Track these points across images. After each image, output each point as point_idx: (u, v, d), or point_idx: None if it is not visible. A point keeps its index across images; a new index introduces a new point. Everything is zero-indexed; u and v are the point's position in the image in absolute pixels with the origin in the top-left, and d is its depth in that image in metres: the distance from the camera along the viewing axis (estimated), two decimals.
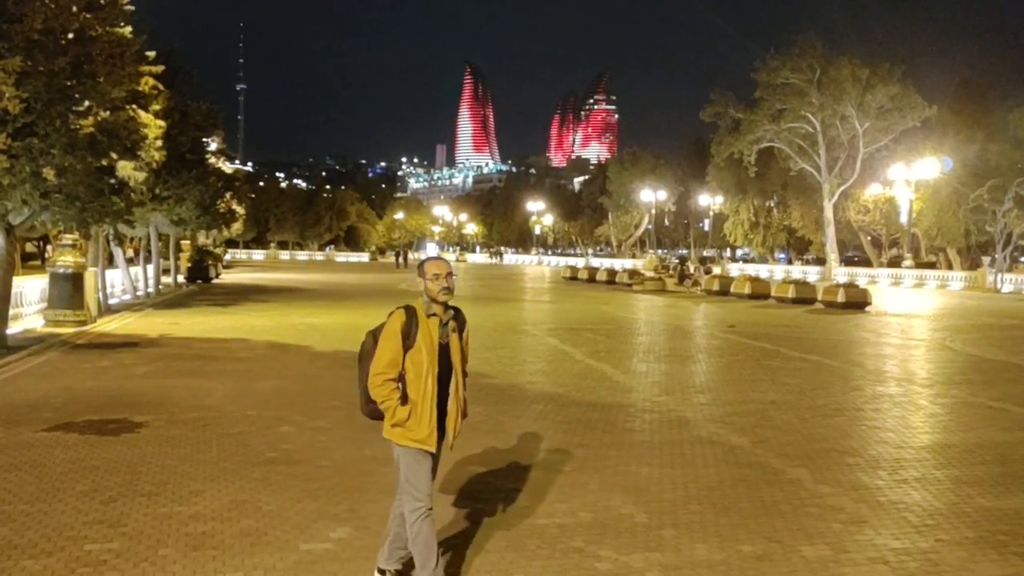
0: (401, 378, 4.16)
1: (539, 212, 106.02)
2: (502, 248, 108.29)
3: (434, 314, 4.21)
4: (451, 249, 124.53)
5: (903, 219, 54.82)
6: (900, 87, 54.01)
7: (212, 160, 32.71)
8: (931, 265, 61.72)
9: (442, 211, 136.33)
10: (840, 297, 28.23)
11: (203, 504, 5.80)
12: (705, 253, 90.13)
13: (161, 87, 20.07)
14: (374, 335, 4.27)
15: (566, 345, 16.16)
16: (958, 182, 51.38)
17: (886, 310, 27.99)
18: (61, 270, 17.26)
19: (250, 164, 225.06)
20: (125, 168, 16.11)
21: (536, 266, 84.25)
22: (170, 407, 9.18)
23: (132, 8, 15.03)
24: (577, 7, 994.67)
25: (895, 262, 62.12)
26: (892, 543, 5.32)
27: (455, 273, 4.32)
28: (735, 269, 68.49)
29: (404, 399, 4.15)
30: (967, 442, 8.36)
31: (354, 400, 9.86)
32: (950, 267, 58.41)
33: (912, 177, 50.86)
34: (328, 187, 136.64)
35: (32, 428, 8.04)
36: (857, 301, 28.11)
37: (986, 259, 51.28)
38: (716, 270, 55.28)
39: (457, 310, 4.34)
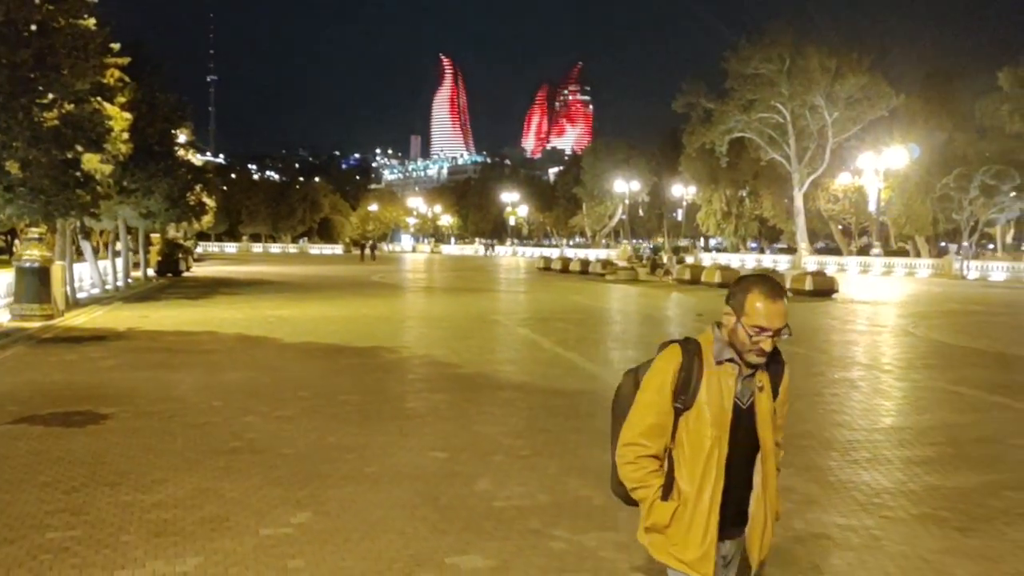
0: (668, 455, 2.77)
1: (514, 203, 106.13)
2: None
3: (731, 359, 2.73)
4: (426, 241, 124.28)
5: (872, 208, 55.52)
6: (868, 77, 54.59)
7: (181, 152, 32.46)
8: (902, 253, 62.59)
9: (417, 203, 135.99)
10: (808, 285, 28.62)
11: (166, 492, 5.87)
12: (680, 243, 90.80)
13: (127, 79, 19.95)
14: (635, 378, 2.89)
15: (536, 335, 16.30)
16: (925, 171, 52.17)
17: (853, 297, 28.42)
18: (27, 264, 17.12)
19: (221, 156, 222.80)
20: (91, 161, 16.05)
21: (511, 257, 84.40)
22: (136, 399, 9.20)
23: (95, 0, 14.92)
24: None
25: (864, 251, 62.91)
26: (838, 520, 5.51)
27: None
28: (708, 259, 68.99)
29: (668, 490, 2.75)
30: (921, 424, 8.60)
31: (321, 389, 10.02)
32: (919, 255, 59.26)
33: (881, 166, 51.55)
34: (301, 179, 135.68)
35: None
36: (824, 289, 28.51)
37: (952, 247, 52.11)
38: (689, 260, 55.73)
39: (772, 354, 2.76)
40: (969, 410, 9.38)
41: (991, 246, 66.28)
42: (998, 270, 45.70)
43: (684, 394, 2.70)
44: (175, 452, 6.99)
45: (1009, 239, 64.04)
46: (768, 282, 2.68)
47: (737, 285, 2.74)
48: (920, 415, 9.10)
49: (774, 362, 2.80)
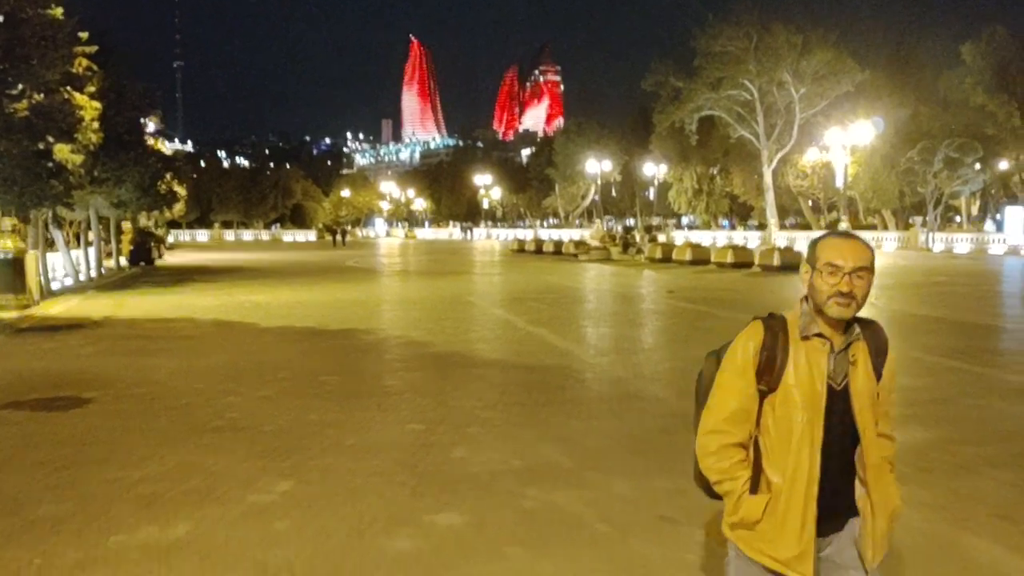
0: (754, 443, 2.52)
1: (487, 185, 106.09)
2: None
3: (819, 335, 2.46)
4: (400, 225, 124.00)
5: (839, 183, 56.21)
6: (834, 53, 55.15)
7: (151, 141, 32.31)
8: (871, 227, 63.50)
9: (389, 187, 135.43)
10: (776, 260, 29.15)
11: (152, 468, 6.10)
12: (653, 221, 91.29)
13: (95, 68, 19.91)
14: (718, 359, 2.64)
15: (510, 314, 16.59)
16: (891, 146, 52.92)
17: None
18: (1, 255, 17.13)
19: (190, 143, 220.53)
20: (62, 151, 16.07)
21: (486, 240, 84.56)
22: (117, 384, 9.39)
23: None
24: None
25: (833, 226, 63.70)
26: None
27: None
28: (680, 236, 69.54)
29: (756, 482, 2.49)
30: None
31: (300, 370, 10.26)
32: (886, 228, 60.17)
33: (847, 141, 52.23)
34: (272, 165, 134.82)
35: None
36: (792, 263, 28.98)
37: (918, 219, 52.99)
38: (661, 238, 56.21)
39: (869, 325, 2.54)
40: (926, 374, 9.80)
41: (958, 218, 67.42)
42: (962, 242, 46.64)
43: (768, 375, 2.44)
44: (159, 431, 7.21)
45: (975, 211, 65.26)
46: (841, 232, 2.51)
47: (810, 247, 2.53)
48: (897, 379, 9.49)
49: (874, 335, 2.52)
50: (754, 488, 2.47)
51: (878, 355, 2.51)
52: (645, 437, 6.89)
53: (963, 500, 5.33)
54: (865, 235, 53.08)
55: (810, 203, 71.42)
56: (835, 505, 2.47)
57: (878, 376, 2.49)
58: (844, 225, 55.75)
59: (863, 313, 2.48)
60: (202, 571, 4.33)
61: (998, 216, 60.94)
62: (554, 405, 8.20)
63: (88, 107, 17.64)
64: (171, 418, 7.70)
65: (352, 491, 5.55)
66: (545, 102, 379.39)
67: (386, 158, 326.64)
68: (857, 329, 2.47)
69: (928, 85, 56.62)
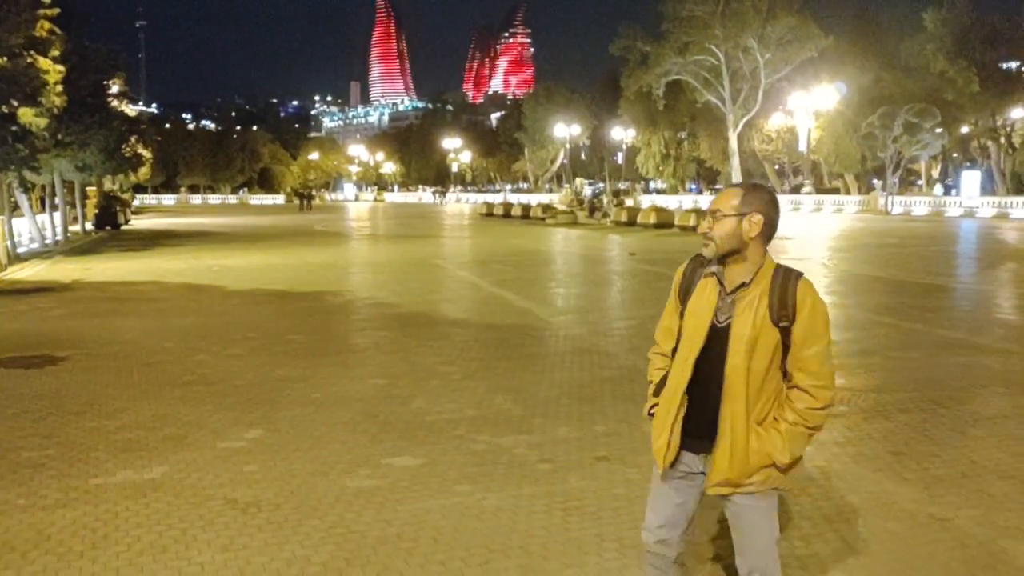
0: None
1: (456, 149, 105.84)
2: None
3: (714, 274, 2.81)
4: (369, 189, 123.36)
5: (802, 147, 57.00)
6: (798, 18, 55.60)
7: (115, 104, 32.06)
8: (835, 191, 64.51)
9: (358, 151, 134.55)
10: None
11: (128, 418, 6.51)
12: (620, 186, 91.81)
13: (58, 31, 19.79)
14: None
15: (475, 276, 17.03)
16: (853, 111, 53.68)
17: (780, 234, 29.61)
18: None
19: (154, 105, 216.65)
20: (26, 115, 16.13)
21: (455, 204, 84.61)
22: (89, 343, 9.72)
23: None
24: None
25: (796, 189, 64.67)
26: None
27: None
28: (647, 201, 70.18)
29: (661, 386, 2.94)
30: None
31: (268, 330, 10.64)
32: (849, 192, 61.18)
33: (811, 106, 52.93)
34: (239, 128, 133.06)
35: None
36: None
37: (878, 183, 53.94)
38: (629, 202, 56.73)
39: (787, 277, 2.76)
40: (857, 328, 10.40)
41: (919, 182, 68.64)
42: (920, 205, 47.68)
43: (685, 300, 2.85)
44: (132, 385, 7.60)
45: (935, 174, 66.43)
46: (733, 183, 2.80)
47: None
48: None
49: (781, 287, 2.71)
50: (657, 391, 2.93)
51: (782, 307, 2.68)
52: (592, 387, 7.40)
53: (868, 440, 5.89)
54: (827, 199, 54.11)
55: (776, 167, 72.31)
56: (702, 428, 2.78)
57: (778, 326, 2.69)
58: (807, 189, 56.80)
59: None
60: (176, 507, 4.76)
61: (947, 181, 62.31)
62: (510, 360, 8.68)
63: (52, 71, 17.63)
64: (143, 374, 8.08)
65: (316, 438, 5.99)
66: (522, 71, 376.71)
67: (355, 121, 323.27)
68: (753, 278, 2.71)
69: (891, 51, 57.27)
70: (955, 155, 62.84)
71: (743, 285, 2.73)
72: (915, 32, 54.51)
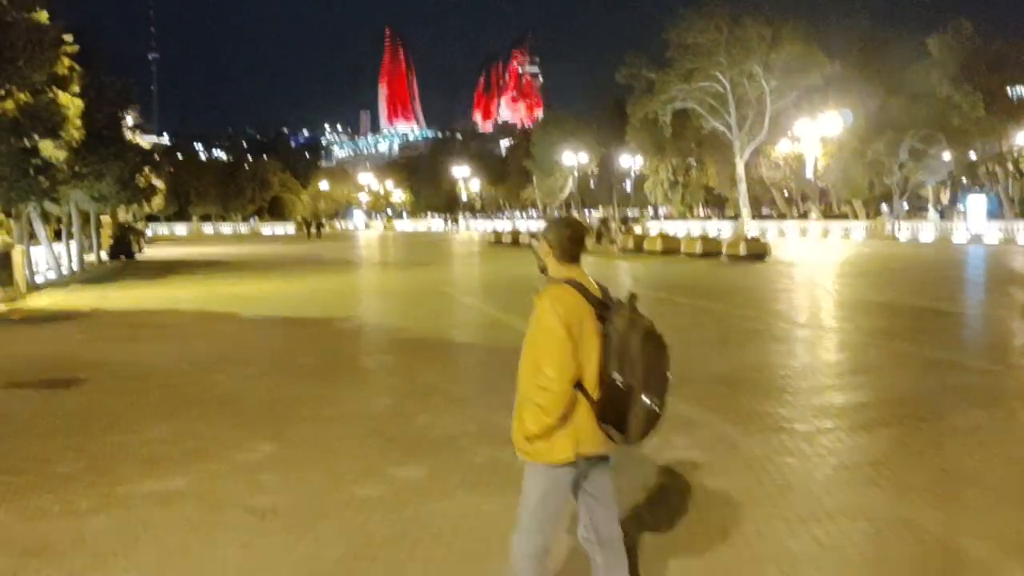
0: None
1: (465, 177, 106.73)
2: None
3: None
4: (379, 217, 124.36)
5: (808, 174, 57.44)
6: (803, 45, 56.18)
7: (129, 135, 32.85)
8: (844, 217, 64.83)
9: (368, 179, 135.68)
10: (741, 250, 30.14)
11: (151, 434, 6.92)
12: (629, 213, 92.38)
13: (77, 67, 20.46)
14: None
15: (480, 302, 17.45)
16: (859, 137, 54.13)
17: (784, 260, 30.00)
18: None
19: (167, 136, 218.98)
20: (47, 148, 16.72)
21: (464, 231, 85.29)
22: (111, 366, 10.16)
23: None
24: None
25: (804, 215, 65.03)
26: (704, 432, 6.75)
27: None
28: (655, 227, 70.64)
29: None
30: (799, 363, 9.91)
31: (280, 354, 11.06)
32: (857, 218, 61.49)
33: (817, 132, 53.42)
34: (250, 157, 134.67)
35: None
36: (757, 252, 30.05)
37: (884, 208, 54.25)
38: (637, 229, 57.19)
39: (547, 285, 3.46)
40: (851, 350, 10.76)
41: (931, 208, 68.84)
42: (927, 231, 47.92)
43: None
44: (153, 405, 8.02)
45: (945, 200, 66.70)
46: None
47: None
48: (800, 355, 10.43)
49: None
50: None
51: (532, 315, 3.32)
52: None
53: (848, 451, 6.24)
54: (834, 224, 54.45)
55: (785, 193, 72.75)
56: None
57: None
58: (814, 215, 57.20)
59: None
60: (198, 512, 5.15)
61: (939, 206, 62.47)
62: (512, 381, 8.98)
63: (72, 105, 18.26)
64: (163, 394, 8.50)
65: (327, 451, 6.38)
66: (529, 99, 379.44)
67: (365, 150, 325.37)
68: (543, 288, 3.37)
69: (896, 77, 57.77)
70: (964, 180, 63.14)
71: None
72: (920, 58, 55.05)
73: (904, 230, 48.51)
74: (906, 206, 60.91)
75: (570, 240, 3.43)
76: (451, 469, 5.90)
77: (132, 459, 6.23)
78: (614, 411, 3.27)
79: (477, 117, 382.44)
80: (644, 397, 3.24)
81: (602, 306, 3.42)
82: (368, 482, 5.66)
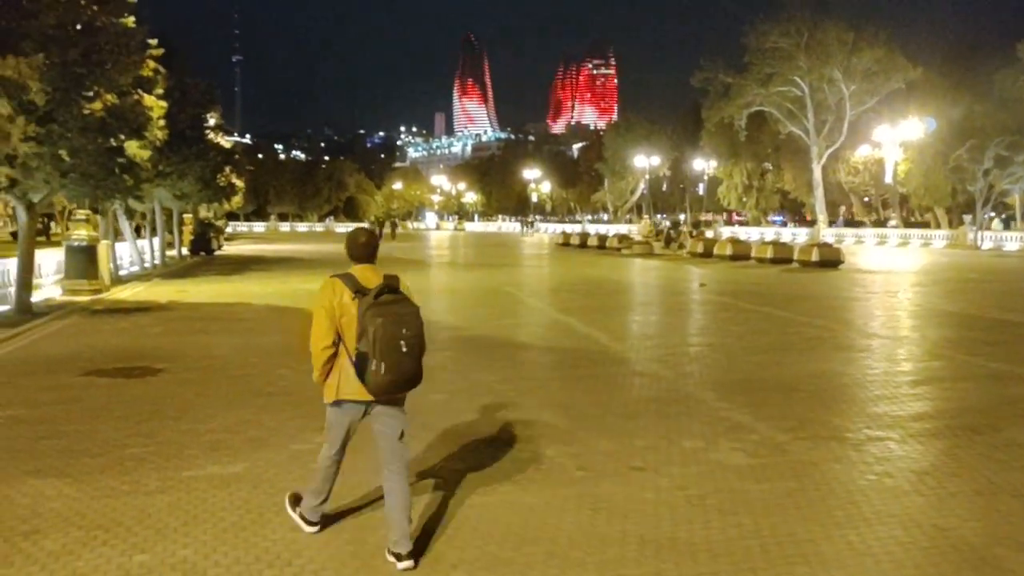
0: None
1: (536, 179, 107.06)
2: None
3: None
4: (450, 218, 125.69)
5: (888, 179, 55.95)
6: (885, 50, 54.91)
7: (211, 135, 34.00)
8: (924, 225, 62.97)
9: (440, 180, 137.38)
10: (814, 256, 29.62)
11: (217, 423, 7.27)
12: (704, 217, 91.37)
13: (161, 69, 21.34)
14: None
15: (542, 303, 17.61)
16: (943, 143, 52.53)
17: (859, 267, 29.38)
18: (76, 243, 18.68)
19: (248, 136, 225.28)
20: (131, 147, 17.49)
21: (534, 233, 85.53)
22: (184, 358, 10.64)
23: (135, 0, 16.26)
24: None
25: (883, 222, 63.38)
26: (752, 437, 6.78)
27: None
28: (727, 232, 69.70)
29: None
30: (859, 372, 9.79)
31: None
32: (938, 226, 59.66)
33: (897, 138, 52.03)
34: (327, 158, 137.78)
35: (69, 374, 9.51)
36: (831, 259, 29.49)
37: (967, 217, 52.50)
38: (709, 234, 56.58)
39: None
40: (914, 360, 10.57)
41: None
42: (1012, 240, 46.25)
43: None
44: (221, 395, 8.41)
45: None
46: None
47: None
48: (863, 365, 10.28)
49: None
50: None
51: None
52: (637, 406, 7.86)
53: (896, 460, 6.20)
54: (914, 232, 53.00)
55: (866, 199, 70.98)
56: None
57: None
58: (893, 222, 55.66)
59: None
60: (255, 495, 5.44)
61: (1004, 216, 59.87)
62: (564, 380, 9.20)
63: (156, 107, 19.09)
64: (231, 385, 8.89)
65: (375, 444, 6.61)
66: (603, 102, 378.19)
67: (438, 151, 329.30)
68: None
69: (983, 83, 55.90)
70: None
71: None
72: (1009, 64, 53.10)
73: (987, 240, 46.89)
74: (992, 214, 58.82)
75: (355, 246, 4.74)
76: (495, 463, 6.08)
77: (197, 445, 6.57)
78: (359, 370, 4.35)
79: (550, 119, 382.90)
80: (374, 361, 4.22)
81: (360, 293, 4.39)
82: (413, 473, 5.87)
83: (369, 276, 4.57)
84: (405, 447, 4.79)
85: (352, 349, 4.39)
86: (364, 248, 4.74)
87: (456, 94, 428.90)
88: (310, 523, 4.81)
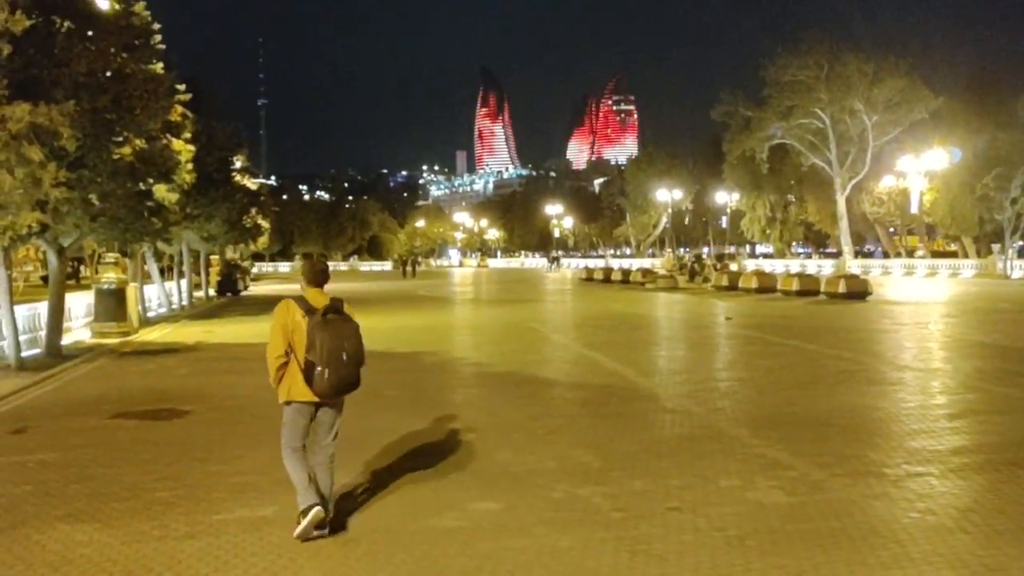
0: None
1: (558, 215, 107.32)
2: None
3: None
4: (473, 255, 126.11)
5: (914, 209, 55.48)
6: (907, 80, 54.80)
7: (237, 178, 34.42)
8: (952, 255, 62.26)
9: (463, 217, 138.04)
10: (841, 288, 29.30)
11: (244, 464, 7.23)
12: (727, 250, 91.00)
13: (189, 113, 21.69)
14: None
15: (567, 339, 17.50)
16: (968, 172, 52.10)
17: (887, 299, 29.03)
18: (105, 286, 18.87)
19: (273, 177, 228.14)
20: (160, 191, 17.71)
21: (557, 269, 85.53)
22: (210, 398, 10.65)
23: (163, 47, 16.56)
24: (591, 6, 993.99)
25: (910, 253, 62.72)
26: (789, 474, 6.63)
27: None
28: (751, 265, 69.31)
29: None
30: (893, 406, 9.59)
31: (367, 387, 11.20)
32: (966, 255, 58.99)
33: (921, 168, 51.67)
34: (350, 198, 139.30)
35: (98, 417, 9.53)
36: (858, 291, 29.15)
37: (996, 246, 51.86)
38: (733, 267, 56.28)
39: None
40: (949, 392, 10.35)
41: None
42: None
43: None
44: (248, 436, 8.38)
45: None
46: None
47: None
48: (893, 399, 10.08)
49: None
50: None
51: None
52: (671, 444, 7.73)
53: (939, 496, 6.02)
54: (942, 263, 52.36)
55: (891, 230, 70.41)
56: None
57: None
58: (920, 253, 55.05)
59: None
60: (286, 539, 5.37)
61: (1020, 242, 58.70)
62: (594, 418, 9.09)
63: (184, 151, 19.36)
64: (258, 426, 8.86)
65: (408, 483, 6.55)
66: (625, 137, 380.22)
67: (460, 189, 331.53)
68: None
69: (1008, 111, 55.56)
70: None
71: None
72: None
73: (1017, 269, 46.25)
74: (1021, 243, 57.94)
75: (309, 272, 5.58)
76: (529, 504, 5.97)
77: (226, 488, 6.53)
78: (307, 376, 5.26)
79: (570, 155, 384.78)
80: (319, 368, 5.19)
81: (310, 312, 5.27)
82: (447, 515, 5.78)
83: (318, 298, 5.43)
84: (333, 444, 5.72)
85: (302, 358, 5.26)
86: (319, 275, 5.59)
87: (477, 132, 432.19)
88: (318, 527, 5.31)
